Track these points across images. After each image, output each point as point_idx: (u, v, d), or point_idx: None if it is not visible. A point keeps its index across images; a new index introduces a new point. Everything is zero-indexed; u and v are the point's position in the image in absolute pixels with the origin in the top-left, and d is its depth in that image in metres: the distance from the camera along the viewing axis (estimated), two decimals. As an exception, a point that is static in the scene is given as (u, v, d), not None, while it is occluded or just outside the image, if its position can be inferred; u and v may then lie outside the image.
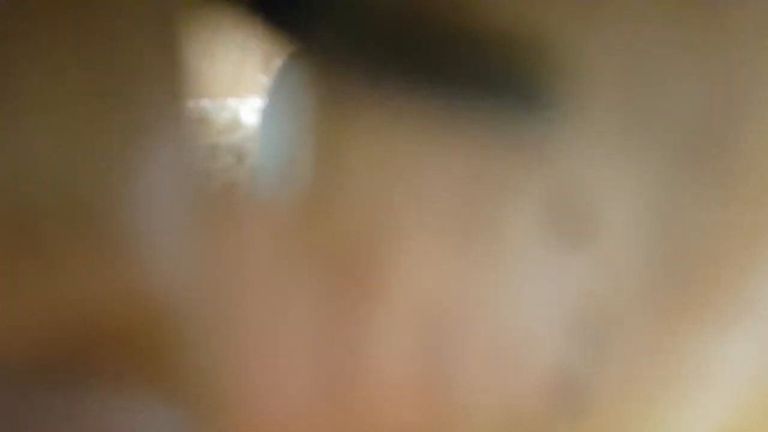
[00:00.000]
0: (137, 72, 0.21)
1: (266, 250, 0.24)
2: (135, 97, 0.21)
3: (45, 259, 0.21)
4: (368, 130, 0.22)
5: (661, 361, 0.26)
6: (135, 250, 0.22)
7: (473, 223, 0.23)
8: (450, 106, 0.21)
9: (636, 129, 0.22)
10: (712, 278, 0.25)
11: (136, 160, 0.21)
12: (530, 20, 0.21)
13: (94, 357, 0.22)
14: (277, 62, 0.23)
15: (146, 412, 0.23)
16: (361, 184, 0.23)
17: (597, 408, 0.26)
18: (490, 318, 0.25)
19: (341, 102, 0.22)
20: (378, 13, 0.21)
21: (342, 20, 0.21)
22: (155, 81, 0.21)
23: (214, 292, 0.23)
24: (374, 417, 0.25)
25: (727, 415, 0.27)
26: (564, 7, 0.21)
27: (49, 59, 0.20)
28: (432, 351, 0.25)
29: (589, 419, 0.26)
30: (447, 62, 0.21)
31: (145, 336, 0.23)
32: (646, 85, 0.22)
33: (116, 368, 0.23)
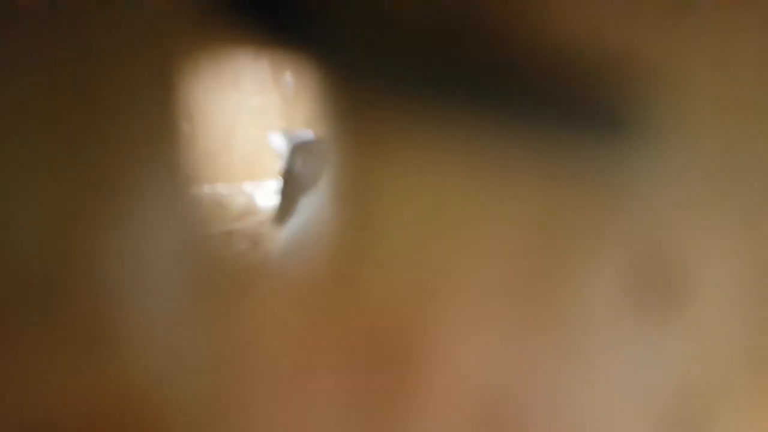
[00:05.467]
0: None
1: (287, 337, 0.20)
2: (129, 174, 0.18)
3: (14, 351, 0.18)
4: (407, 171, 0.18)
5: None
6: (127, 339, 0.18)
7: (537, 287, 0.19)
8: (513, 135, 0.17)
9: (735, 164, 0.18)
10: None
11: (131, 231, 0.17)
12: (611, 34, 0.17)
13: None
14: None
15: None
16: (397, 243, 0.19)
17: None
18: (558, 407, 0.20)
19: (374, 134, 0.18)
20: (425, 23, 0.17)
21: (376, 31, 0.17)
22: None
23: (225, 389, 0.19)
24: None
25: None
26: (648, 17, 0.17)
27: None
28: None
29: None
30: (510, 81, 0.17)
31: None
32: (743, 109, 0.18)
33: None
